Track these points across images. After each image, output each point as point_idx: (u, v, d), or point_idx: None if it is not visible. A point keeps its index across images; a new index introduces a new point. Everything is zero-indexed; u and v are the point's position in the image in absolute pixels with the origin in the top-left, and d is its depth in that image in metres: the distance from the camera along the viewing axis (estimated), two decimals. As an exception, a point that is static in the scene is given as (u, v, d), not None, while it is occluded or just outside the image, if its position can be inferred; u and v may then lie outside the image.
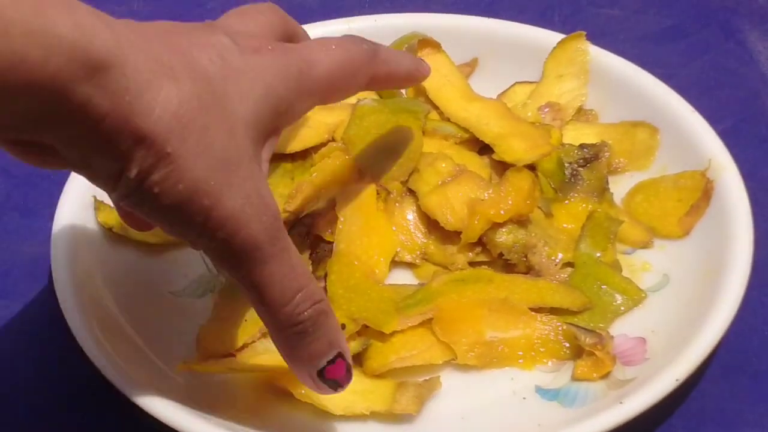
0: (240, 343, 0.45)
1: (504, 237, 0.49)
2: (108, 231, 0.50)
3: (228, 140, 0.34)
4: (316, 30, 0.58)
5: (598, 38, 0.60)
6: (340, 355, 0.38)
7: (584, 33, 0.58)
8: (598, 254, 0.50)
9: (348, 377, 0.38)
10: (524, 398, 0.45)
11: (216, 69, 0.35)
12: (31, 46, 0.28)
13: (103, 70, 0.30)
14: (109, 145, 0.31)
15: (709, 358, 0.44)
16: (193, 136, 0.32)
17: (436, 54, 0.58)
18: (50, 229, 0.50)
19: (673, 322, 0.46)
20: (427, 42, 0.58)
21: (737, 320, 0.45)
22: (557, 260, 0.49)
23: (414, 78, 0.47)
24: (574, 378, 0.45)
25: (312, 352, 0.37)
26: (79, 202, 0.51)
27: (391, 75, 0.45)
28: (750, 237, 0.48)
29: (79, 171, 0.34)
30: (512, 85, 0.59)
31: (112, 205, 0.49)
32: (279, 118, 0.38)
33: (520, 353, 0.46)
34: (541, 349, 0.46)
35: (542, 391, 0.45)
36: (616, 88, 0.57)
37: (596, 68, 0.58)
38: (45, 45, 0.28)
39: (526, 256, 0.49)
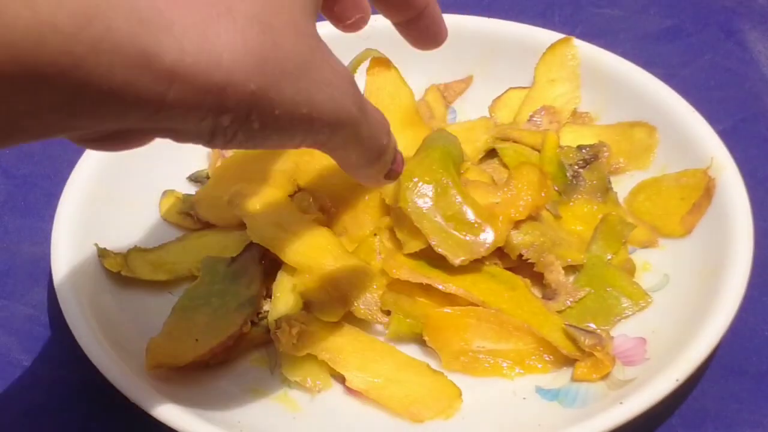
0: (189, 360, 0.45)
1: (521, 237, 0.48)
2: (115, 275, 0.49)
3: (297, 39, 0.33)
4: (316, 30, 0.58)
5: (598, 38, 0.60)
6: (397, 151, 0.41)
7: (573, 37, 0.59)
8: (609, 256, 0.50)
9: (403, 164, 0.42)
10: (524, 398, 0.45)
11: None
12: (92, 53, 0.27)
13: (152, 42, 0.29)
14: (192, 111, 0.31)
15: (709, 358, 0.44)
16: (269, 60, 0.32)
17: (386, 71, 0.57)
18: (50, 229, 0.50)
19: (673, 322, 0.46)
20: (378, 61, 0.57)
21: (737, 320, 0.45)
22: (571, 279, 0.49)
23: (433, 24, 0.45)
24: (574, 379, 0.45)
25: (387, 162, 0.40)
26: (79, 203, 0.51)
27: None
28: (750, 237, 0.48)
29: (168, 137, 0.33)
30: (506, 91, 0.59)
31: (115, 251, 0.49)
32: None
33: (505, 365, 0.46)
34: (530, 363, 0.46)
35: (542, 391, 0.45)
36: (616, 88, 0.57)
37: (596, 68, 0.58)
38: (105, 50, 0.28)
39: (544, 256, 0.49)
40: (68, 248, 0.49)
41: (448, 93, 0.59)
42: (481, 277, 0.48)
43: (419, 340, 0.47)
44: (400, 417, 0.44)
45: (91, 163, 0.53)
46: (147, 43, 0.29)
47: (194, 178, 0.56)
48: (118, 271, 0.49)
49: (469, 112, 0.59)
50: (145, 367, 0.44)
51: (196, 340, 0.46)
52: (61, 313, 0.46)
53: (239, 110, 0.32)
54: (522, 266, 0.49)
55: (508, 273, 0.48)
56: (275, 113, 0.32)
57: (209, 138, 0.32)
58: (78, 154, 0.54)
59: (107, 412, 0.46)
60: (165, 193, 0.54)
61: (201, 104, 0.31)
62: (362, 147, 0.38)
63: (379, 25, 0.61)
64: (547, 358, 0.46)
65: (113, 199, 0.53)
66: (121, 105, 0.29)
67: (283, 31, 0.33)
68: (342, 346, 0.46)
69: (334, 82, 0.35)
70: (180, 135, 0.33)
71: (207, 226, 0.53)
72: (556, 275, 0.48)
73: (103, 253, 0.49)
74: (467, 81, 0.60)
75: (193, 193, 0.54)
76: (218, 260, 0.49)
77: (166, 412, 0.42)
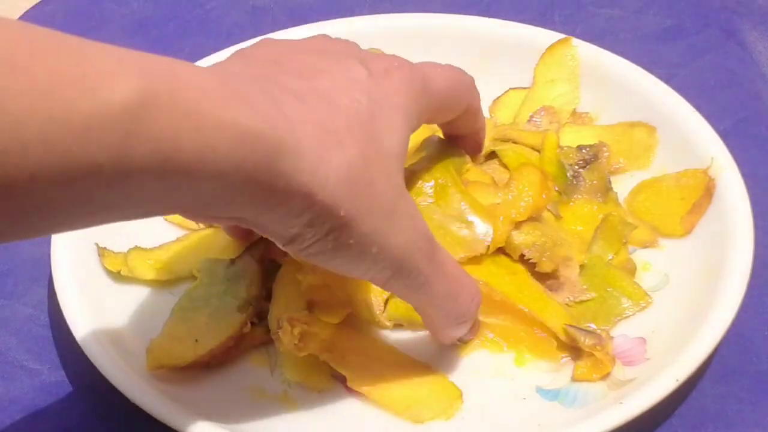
0: (189, 361, 0.45)
1: (523, 237, 0.48)
2: (115, 275, 0.49)
3: (388, 184, 0.37)
4: (316, 30, 0.58)
5: (598, 38, 0.60)
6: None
7: (572, 38, 0.59)
8: (610, 256, 0.50)
9: (476, 332, 0.46)
10: (524, 398, 0.45)
11: (364, 110, 0.37)
12: (219, 138, 0.30)
13: (282, 156, 0.32)
14: (290, 217, 0.34)
15: (709, 358, 0.44)
16: (361, 194, 0.35)
17: None
18: (50, 229, 0.50)
19: (673, 322, 0.46)
20: None
21: (737, 320, 0.45)
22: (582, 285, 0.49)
23: (479, 138, 0.50)
24: (574, 379, 0.45)
25: (467, 330, 0.44)
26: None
27: (476, 115, 0.48)
28: (750, 237, 0.48)
29: (254, 228, 0.36)
30: (506, 92, 0.59)
31: (115, 250, 0.49)
32: (415, 128, 0.41)
33: (491, 336, 0.47)
34: (517, 340, 0.47)
35: (542, 392, 0.45)
36: (616, 88, 0.57)
37: (596, 68, 0.58)
38: (233, 138, 0.30)
39: (546, 256, 0.48)
40: (68, 248, 0.49)
41: None
42: (482, 264, 0.48)
43: (418, 325, 0.47)
44: (401, 418, 0.44)
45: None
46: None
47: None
48: (118, 270, 0.49)
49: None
50: (146, 368, 0.44)
51: (196, 340, 0.46)
52: (61, 313, 0.46)
53: (323, 229, 0.35)
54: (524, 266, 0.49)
55: (509, 259, 0.48)
56: (350, 242, 0.36)
57: (288, 242, 0.35)
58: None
59: (107, 412, 0.46)
60: None
61: (300, 215, 0.34)
62: (439, 304, 0.41)
63: (381, 24, 0.62)
64: (538, 333, 0.46)
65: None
66: (244, 200, 0.33)
67: (379, 174, 0.36)
68: (343, 347, 0.46)
69: (412, 234, 0.38)
70: (266, 231, 0.35)
71: (208, 225, 0.53)
72: (570, 271, 0.48)
73: (103, 253, 0.49)
74: None
75: None
76: (217, 262, 0.49)
77: (166, 412, 0.42)
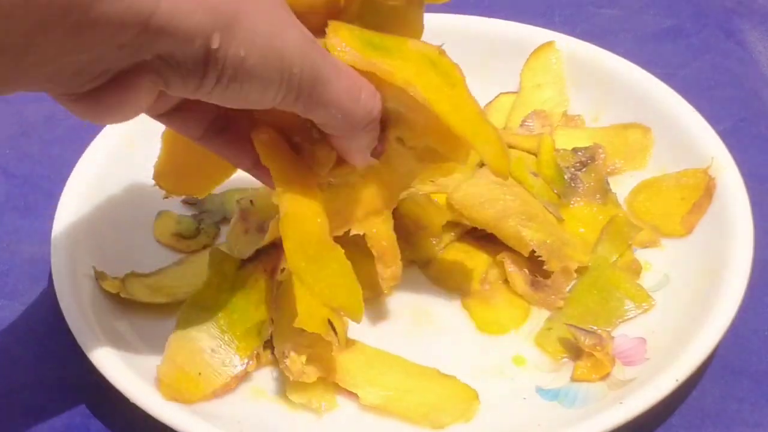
0: (195, 400, 0.44)
1: (532, 234, 0.48)
2: (115, 297, 0.48)
3: None
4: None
5: (598, 38, 0.60)
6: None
7: (554, 41, 0.59)
8: (615, 258, 0.50)
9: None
10: (524, 398, 0.45)
11: None
12: None
13: None
14: (185, 24, 0.32)
15: (709, 358, 0.44)
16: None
17: None
18: (50, 229, 0.50)
19: (673, 322, 0.46)
20: None
21: (737, 320, 0.45)
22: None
23: None
24: (574, 379, 0.45)
25: (373, 137, 0.42)
26: (79, 204, 0.51)
27: None
28: (750, 237, 0.48)
29: (168, 80, 0.34)
30: (497, 96, 0.59)
31: (112, 276, 0.49)
32: None
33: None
34: None
35: (542, 392, 0.45)
36: (616, 88, 0.57)
37: (596, 68, 0.58)
38: None
39: (555, 255, 0.49)
40: (68, 248, 0.49)
41: None
42: (424, 66, 0.41)
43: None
44: (420, 426, 0.44)
45: (91, 163, 0.53)
46: None
47: (188, 201, 0.55)
48: (117, 292, 0.48)
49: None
50: (162, 397, 0.43)
51: (200, 373, 0.44)
52: (61, 313, 0.46)
53: (226, 30, 0.33)
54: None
55: (449, 63, 0.43)
56: (256, 40, 0.34)
57: (202, 70, 0.34)
58: (78, 155, 0.54)
59: (107, 412, 0.46)
60: (160, 214, 0.54)
61: (191, 17, 0.32)
62: (341, 106, 0.39)
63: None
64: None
65: (113, 199, 0.53)
66: (116, 16, 0.30)
67: None
68: (349, 364, 0.45)
69: (298, 30, 0.36)
70: (174, 70, 0.33)
71: (202, 248, 0.52)
72: (566, 274, 0.48)
73: (101, 276, 0.48)
74: None
75: (188, 215, 0.54)
76: (227, 258, 0.48)
77: (166, 412, 0.42)
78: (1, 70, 0.30)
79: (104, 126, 0.55)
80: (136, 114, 0.35)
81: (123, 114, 0.35)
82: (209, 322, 0.46)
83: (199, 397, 0.44)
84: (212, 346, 0.45)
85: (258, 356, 0.45)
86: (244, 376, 0.45)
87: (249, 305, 0.46)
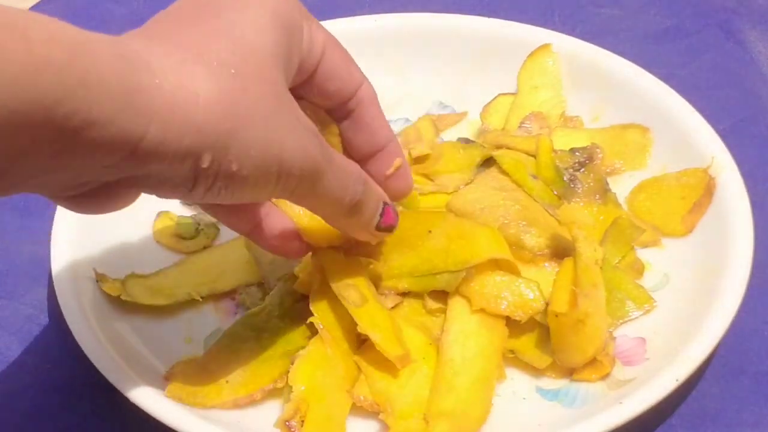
0: (209, 406, 0.44)
1: (535, 240, 0.48)
2: (115, 299, 0.48)
3: (264, 87, 0.35)
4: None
5: (598, 38, 0.60)
6: (386, 204, 0.43)
7: (551, 44, 0.59)
8: (618, 259, 0.50)
9: (396, 217, 0.44)
10: (524, 398, 0.45)
11: (226, 15, 0.35)
12: (81, 86, 0.28)
13: (137, 81, 0.30)
14: (173, 148, 0.32)
15: (709, 358, 0.44)
16: (240, 103, 0.33)
17: None
18: (50, 229, 0.50)
19: (673, 322, 0.46)
20: None
21: (737, 320, 0.45)
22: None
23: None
24: (574, 379, 0.45)
25: (370, 214, 0.42)
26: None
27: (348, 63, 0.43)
28: (750, 237, 0.48)
29: (150, 189, 0.34)
30: (495, 97, 0.59)
31: (112, 276, 0.49)
32: (292, 38, 0.38)
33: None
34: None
35: (542, 391, 0.45)
36: (616, 88, 0.57)
37: (595, 68, 0.58)
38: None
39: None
40: (68, 248, 0.49)
41: (440, 123, 0.59)
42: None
43: None
44: None
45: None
46: (129, 79, 0.30)
47: (189, 202, 0.55)
48: (118, 295, 0.48)
49: (470, 110, 0.60)
50: (166, 393, 0.43)
51: (227, 381, 0.44)
52: (61, 313, 0.46)
53: (218, 149, 0.33)
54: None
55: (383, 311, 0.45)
56: (251, 153, 0.34)
57: (192, 185, 0.33)
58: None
59: (107, 412, 0.46)
60: (159, 214, 0.54)
61: (180, 141, 0.31)
62: (332, 196, 0.39)
63: (381, 24, 0.62)
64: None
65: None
66: (104, 142, 0.29)
67: (252, 78, 0.34)
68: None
69: (299, 129, 0.36)
70: (162, 184, 0.33)
71: (202, 249, 0.52)
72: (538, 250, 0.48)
73: (101, 278, 0.48)
74: (461, 115, 0.60)
75: (188, 216, 0.54)
76: (289, 292, 0.47)
77: (166, 412, 0.42)
78: None
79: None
80: (126, 206, 0.36)
81: (112, 210, 0.36)
82: (253, 340, 0.46)
83: (216, 403, 0.44)
84: (249, 359, 0.45)
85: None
86: (271, 392, 0.45)
87: (296, 333, 0.46)
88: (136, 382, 0.43)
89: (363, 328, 0.44)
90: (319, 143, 0.37)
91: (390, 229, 0.43)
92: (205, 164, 0.33)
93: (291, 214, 0.45)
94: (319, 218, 0.42)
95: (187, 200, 0.34)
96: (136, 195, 0.36)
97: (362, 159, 0.43)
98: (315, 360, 0.44)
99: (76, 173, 0.31)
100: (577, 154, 0.53)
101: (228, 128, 0.33)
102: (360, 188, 0.40)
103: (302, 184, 0.37)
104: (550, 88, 0.58)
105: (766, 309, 0.49)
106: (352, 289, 0.45)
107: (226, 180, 0.34)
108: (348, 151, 0.43)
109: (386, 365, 0.44)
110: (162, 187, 0.34)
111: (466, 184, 0.52)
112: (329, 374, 0.44)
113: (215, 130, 0.32)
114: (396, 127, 0.59)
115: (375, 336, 0.44)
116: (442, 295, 0.47)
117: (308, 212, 0.44)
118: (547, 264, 0.48)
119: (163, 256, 0.52)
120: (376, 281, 0.47)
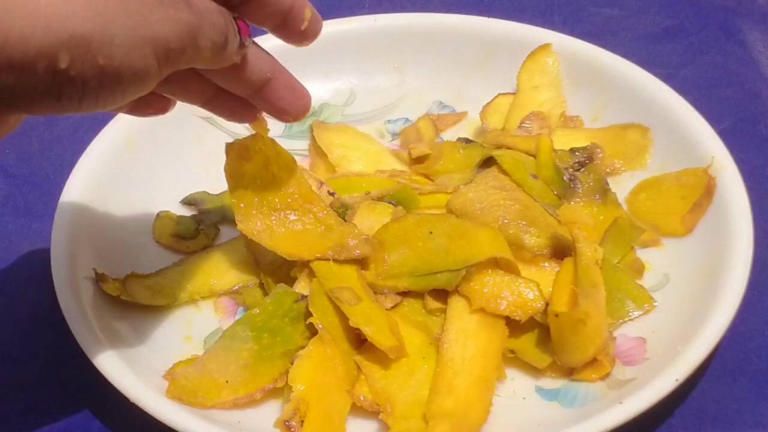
0: (209, 406, 0.44)
1: (535, 240, 0.48)
2: (115, 299, 0.48)
3: None
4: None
5: (598, 38, 0.60)
6: (235, 18, 0.39)
7: (551, 44, 0.59)
8: (617, 260, 0.50)
9: (248, 26, 0.39)
10: (524, 398, 0.45)
11: None
12: None
13: None
14: (23, 57, 0.30)
15: (709, 358, 0.44)
16: (90, 6, 0.31)
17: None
18: (50, 229, 0.50)
19: (673, 322, 0.46)
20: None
21: (737, 320, 0.45)
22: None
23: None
24: (574, 379, 0.45)
25: (232, 36, 0.38)
26: (79, 204, 0.51)
27: None
28: (750, 237, 0.48)
29: (23, 106, 0.33)
30: (495, 97, 0.59)
31: (112, 276, 0.48)
32: None
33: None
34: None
35: (542, 392, 0.45)
36: (616, 87, 0.57)
37: (596, 68, 0.58)
38: None
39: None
40: (68, 248, 0.49)
41: (440, 123, 0.59)
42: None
43: None
44: None
45: (91, 163, 0.53)
46: None
47: (188, 202, 0.55)
48: (118, 295, 0.48)
49: (470, 110, 0.60)
50: (166, 394, 0.44)
51: (227, 381, 0.44)
52: (61, 313, 0.46)
53: (74, 46, 0.31)
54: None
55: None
56: (115, 41, 0.32)
57: (58, 91, 0.32)
58: (78, 155, 0.54)
59: (107, 412, 0.46)
60: (159, 214, 0.54)
61: (27, 43, 0.30)
62: (214, 44, 0.36)
63: (381, 24, 0.62)
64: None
65: (113, 199, 0.53)
66: None
67: None
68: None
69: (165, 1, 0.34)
70: (25, 96, 0.32)
71: (202, 249, 0.52)
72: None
73: (101, 278, 0.48)
74: (460, 115, 0.60)
75: (188, 216, 0.54)
76: (288, 293, 0.47)
77: (165, 411, 0.42)
78: None
79: (104, 126, 0.55)
80: (9, 132, 0.34)
81: None
82: (253, 340, 0.45)
83: (216, 403, 0.44)
84: (249, 359, 0.45)
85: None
86: (271, 391, 0.45)
87: (296, 333, 0.46)
88: (136, 382, 0.43)
89: (355, 322, 0.44)
90: (184, 2, 0.35)
91: (249, 38, 0.40)
92: (63, 64, 0.31)
93: (272, 246, 0.47)
94: (301, 235, 0.42)
95: (66, 111, 0.32)
96: (15, 119, 0.34)
97: (275, 28, 0.41)
98: (315, 360, 0.44)
99: None
100: (577, 153, 0.53)
101: (81, 21, 0.31)
102: (222, 19, 0.37)
103: (186, 52, 0.35)
104: (550, 88, 0.58)
105: (766, 309, 0.49)
106: (346, 291, 0.45)
107: (97, 78, 0.32)
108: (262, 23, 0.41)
109: (386, 365, 0.44)
110: (27, 101, 0.32)
111: (466, 183, 0.52)
112: (329, 374, 0.44)
113: (65, 26, 0.31)
114: (396, 127, 0.59)
115: (366, 328, 0.44)
116: (442, 295, 0.47)
117: (286, 233, 0.45)
118: (547, 264, 0.48)
119: (163, 256, 0.52)
120: (371, 284, 0.47)
